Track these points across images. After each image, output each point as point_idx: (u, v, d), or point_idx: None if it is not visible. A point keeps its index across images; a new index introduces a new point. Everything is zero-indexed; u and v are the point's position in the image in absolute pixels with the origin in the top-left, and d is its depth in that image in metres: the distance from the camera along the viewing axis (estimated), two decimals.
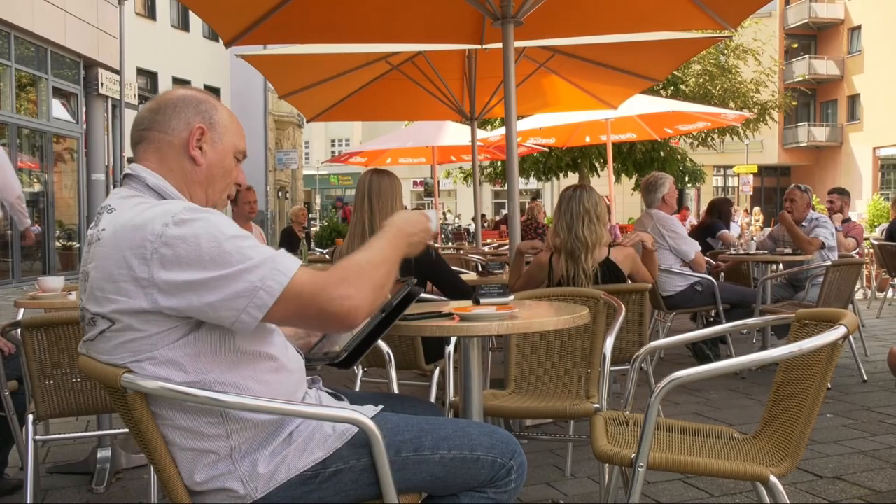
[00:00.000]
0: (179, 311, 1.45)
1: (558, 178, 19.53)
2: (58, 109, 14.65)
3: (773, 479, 1.83)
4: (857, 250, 7.02)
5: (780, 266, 6.03)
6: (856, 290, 5.27)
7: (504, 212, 23.55)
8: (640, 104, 8.32)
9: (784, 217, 5.68)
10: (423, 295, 3.43)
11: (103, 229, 1.51)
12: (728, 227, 7.19)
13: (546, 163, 18.03)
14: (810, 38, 38.26)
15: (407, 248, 1.69)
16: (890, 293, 8.77)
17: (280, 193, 33.24)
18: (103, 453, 3.36)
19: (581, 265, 3.54)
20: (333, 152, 41.24)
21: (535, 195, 31.94)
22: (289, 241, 8.47)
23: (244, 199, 5.35)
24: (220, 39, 4.77)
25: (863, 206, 23.88)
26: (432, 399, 3.14)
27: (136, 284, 1.44)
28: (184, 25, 24.41)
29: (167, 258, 1.42)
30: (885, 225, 9.79)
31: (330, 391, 1.84)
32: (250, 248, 1.44)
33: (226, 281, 1.42)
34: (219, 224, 1.46)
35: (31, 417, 2.68)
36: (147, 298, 1.44)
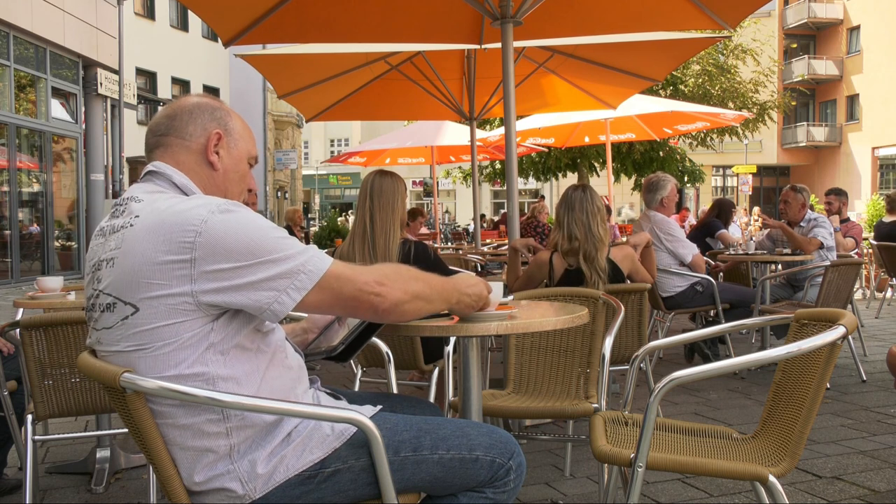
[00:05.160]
0: (213, 299, 1.46)
1: (557, 178, 19.53)
2: (57, 109, 14.63)
3: (772, 478, 1.83)
4: (855, 250, 7.03)
5: (779, 266, 6.03)
6: (855, 290, 5.27)
7: (503, 211, 23.54)
8: (640, 104, 8.32)
9: (773, 222, 5.73)
10: None
11: (137, 216, 1.51)
12: (726, 228, 7.19)
13: (545, 163, 18.05)
14: (809, 38, 38.27)
15: (455, 303, 1.77)
16: (889, 293, 8.78)
17: (279, 193, 33.23)
18: (102, 453, 3.36)
19: (597, 264, 3.53)
20: (332, 152, 41.20)
21: (535, 194, 31.94)
22: None
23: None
24: (219, 39, 4.77)
25: (862, 206, 23.85)
26: (431, 399, 3.14)
27: (175, 270, 1.45)
28: (183, 25, 24.40)
29: (210, 244, 1.44)
30: None
31: (328, 391, 1.84)
32: (290, 240, 1.52)
33: (268, 264, 1.47)
34: (259, 219, 1.53)
35: (30, 417, 2.68)
36: (186, 284, 1.45)
